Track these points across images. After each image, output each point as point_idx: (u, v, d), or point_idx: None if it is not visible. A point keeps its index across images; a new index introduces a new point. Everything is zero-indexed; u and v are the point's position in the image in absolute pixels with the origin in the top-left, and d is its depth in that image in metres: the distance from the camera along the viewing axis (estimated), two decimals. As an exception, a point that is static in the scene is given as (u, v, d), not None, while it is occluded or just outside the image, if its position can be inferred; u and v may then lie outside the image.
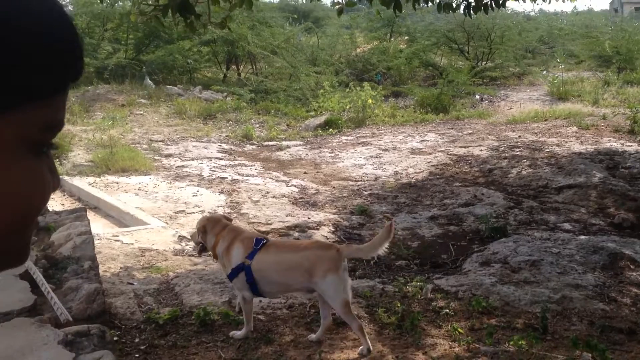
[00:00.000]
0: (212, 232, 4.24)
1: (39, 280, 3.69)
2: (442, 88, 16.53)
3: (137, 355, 4.05)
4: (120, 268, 5.58)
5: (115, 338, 4.04)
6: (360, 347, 4.08)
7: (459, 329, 4.35)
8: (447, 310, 4.67)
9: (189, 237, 4.62)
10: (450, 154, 10.93)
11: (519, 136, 12.15)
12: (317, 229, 7.04)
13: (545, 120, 13.94)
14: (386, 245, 4.17)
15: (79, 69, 0.58)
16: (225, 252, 4.19)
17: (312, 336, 4.25)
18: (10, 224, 0.56)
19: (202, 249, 4.41)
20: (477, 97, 17.71)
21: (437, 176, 9.55)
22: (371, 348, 4.04)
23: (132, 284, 5.19)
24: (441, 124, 14.52)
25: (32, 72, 0.53)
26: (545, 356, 3.92)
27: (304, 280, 4.04)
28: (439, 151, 11.27)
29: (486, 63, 20.53)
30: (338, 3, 6.10)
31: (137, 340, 4.23)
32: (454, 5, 6.80)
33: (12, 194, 0.54)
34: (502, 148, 11.01)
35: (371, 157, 11.12)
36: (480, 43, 21.00)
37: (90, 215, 6.32)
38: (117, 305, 4.67)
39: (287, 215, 7.48)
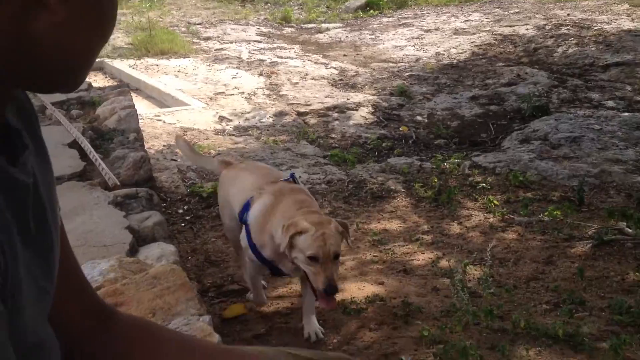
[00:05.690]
0: None
1: (87, 149, 3.84)
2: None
3: (182, 224, 4.25)
4: (164, 146, 5.72)
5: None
6: None
7: (495, 201, 4.41)
8: (484, 185, 4.72)
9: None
10: (495, 34, 10.58)
11: (568, 14, 11.61)
12: (356, 110, 7.03)
13: (597, -3, 13.28)
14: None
15: None
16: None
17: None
18: None
19: None
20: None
21: (480, 56, 9.31)
22: None
23: (175, 160, 5.35)
24: (487, 4, 13.94)
25: None
26: (580, 225, 3.97)
27: None
28: (483, 31, 10.91)
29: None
30: None
31: (181, 211, 4.42)
32: None
33: None
34: (549, 27, 10.59)
35: (412, 38, 10.84)
36: None
37: (132, 96, 6.41)
38: (162, 179, 4.84)
39: (326, 97, 7.46)
